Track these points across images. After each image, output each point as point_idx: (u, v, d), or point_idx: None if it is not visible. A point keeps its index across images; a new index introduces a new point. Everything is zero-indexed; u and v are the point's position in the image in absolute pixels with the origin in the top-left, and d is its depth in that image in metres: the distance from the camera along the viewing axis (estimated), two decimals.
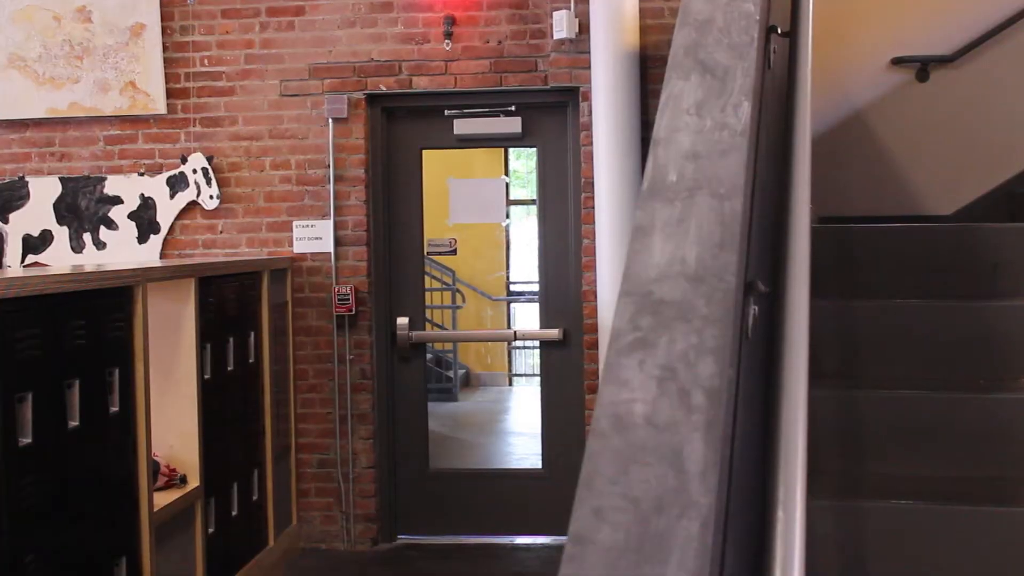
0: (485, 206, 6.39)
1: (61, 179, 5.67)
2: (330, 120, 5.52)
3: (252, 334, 5.01)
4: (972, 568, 2.36)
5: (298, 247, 5.58)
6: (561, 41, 5.38)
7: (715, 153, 1.60)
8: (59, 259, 5.65)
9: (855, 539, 2.39)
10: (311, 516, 5.60)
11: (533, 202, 12.40)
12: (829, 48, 4.02)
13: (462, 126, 5.74)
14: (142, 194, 5.64)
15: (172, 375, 4.26)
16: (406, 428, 5.85)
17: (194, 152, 5.61)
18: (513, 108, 5.77)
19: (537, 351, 11.61)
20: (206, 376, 4.41)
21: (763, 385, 1.78)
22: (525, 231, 11.64)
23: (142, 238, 5.64)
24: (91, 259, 5.64)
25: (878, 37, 4.39)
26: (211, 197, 5.59)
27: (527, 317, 11.66)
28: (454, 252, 6.93)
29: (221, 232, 5.63)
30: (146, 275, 3.86)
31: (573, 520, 1.07)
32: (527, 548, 5.55)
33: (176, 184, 5.62)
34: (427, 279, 10.46)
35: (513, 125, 5.73)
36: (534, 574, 5.17)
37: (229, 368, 4.71)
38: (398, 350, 5.73)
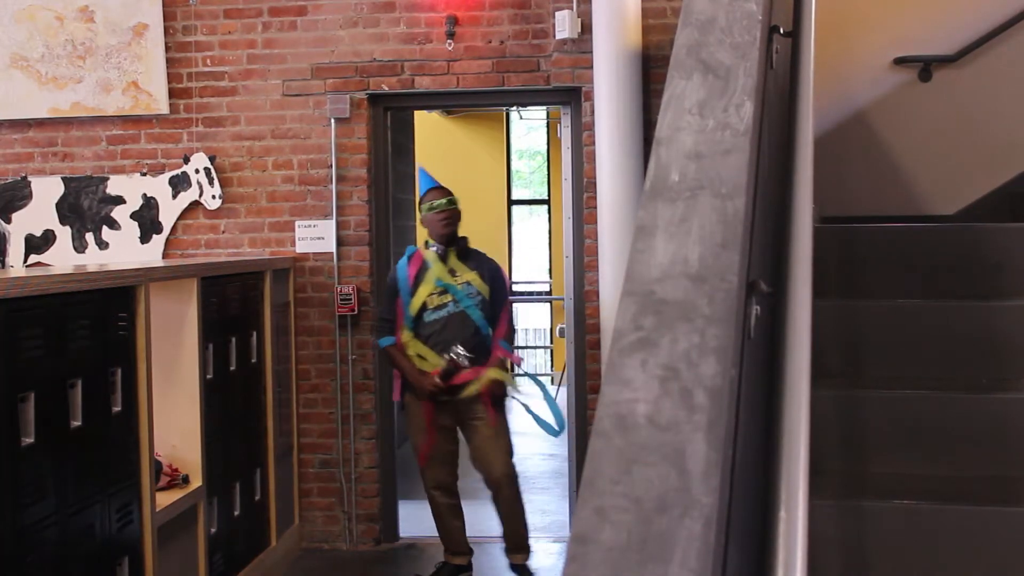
0: None
1: (64, 179, 5.68)
2: (332, 120, 5.52)
3: (254, 334, 5.01)
4: (974, 568, 2.35)
5: (300, 247, 5.58)
6: (563, 41, 5.38)
7: (717, 153, 1.60)
8: (62, 259, 5.65)
9: (857, 539, 2.39)
10: (313, 516, 5.60)
11: (534, 202, 12.39)
12: (831, 48, 4.02)
13: None
14: (144, 194, 5.64)
15: (174, 375, 4.26)
16: None
17: (196, 152, 5.61)
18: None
19: (538, 351, 11.63)
20: (208, 376, 4.42)
21: (765, 385, 1.78)
22: (526, 231, 11.65)
23: (144, 238, 5.65)
24: (94, 259, 5.64)
25: (880, 37, 4.38)
26: (213, 197, 5.59)
27: (530, 317, 11.66)
28: None
29: (223, 232, 5.63)
30: (148, 275, 3.87)
31: (576, 520, 1.07)
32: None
33: (178, 184, 5.62)
34: None
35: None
36: (536, 571, 5.17)
37: (231, 368, 4.71)
38: None
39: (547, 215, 11.33)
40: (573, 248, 5.59)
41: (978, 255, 3.10)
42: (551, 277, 11.11)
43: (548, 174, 11.09)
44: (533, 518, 6.05)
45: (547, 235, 11.27)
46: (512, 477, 4.85)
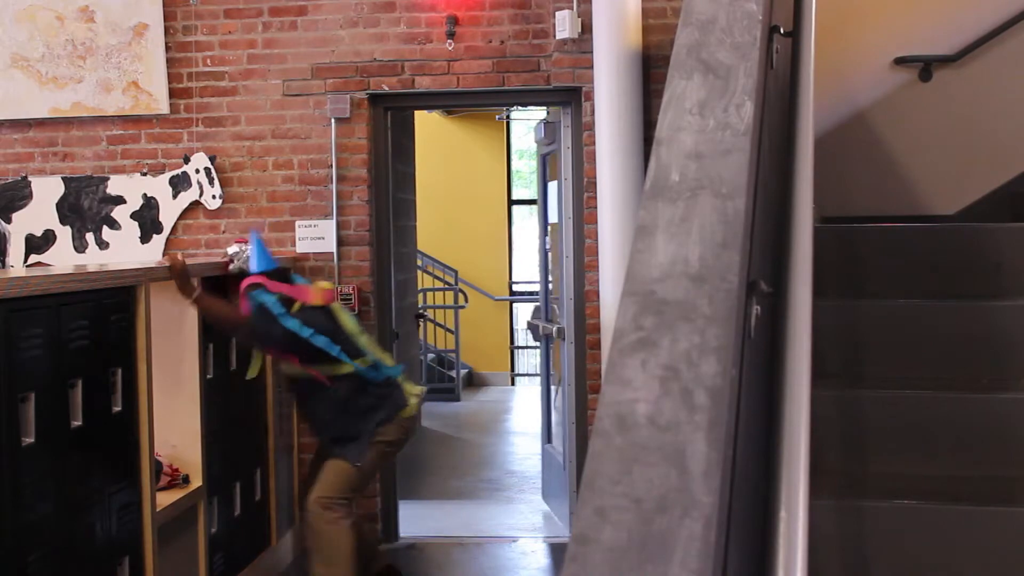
0: None
1: (64, 179, 5.68)
2: (332, 120, 5.52)
3: None
4: (975, 568, 2.35)
5: (301, 247, 5.58)
6: (564, 41, 5.38)
7: (718, 153, 1.60)
8: (62, 259, 5.65)
9: (858, 539, 2.39)
10: None
11: (535, 202, 12.38)
12: (832, 48, 4.02)
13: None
14: (145, 194, 5.64)
15: (175, 375, 4.26)
16: None
17: (197, 152, 5.61)
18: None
19: (540, 351, 11.62)
20: (208, 376, 4.42)
21: (766, 385, 1.79)
22: (527, 231, 11.65)
23: (145, 238, 5.65)
24: (94, 259, 5.64)
25: (881, 37, 4.38)
26: (214, 197, 5.59)
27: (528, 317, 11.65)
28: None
29: (224, 232, 5.63)
30: (149, 275, 3.87)
31: (576, 520, 1.07)
32: (531, 547, 5.55)
33: (179, 184, 5.62)
34: (429, 279, 10.49)
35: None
36: (536, 571, 5.17)
37: (232, 368, 4.71)
38: None
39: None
40: (573, 248, 5.59)
41: (978, 255, 3.10)
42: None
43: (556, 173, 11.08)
44: (533, 518, 6.06)
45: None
46: (314, 515, 4.38)
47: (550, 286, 6.44)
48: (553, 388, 6.33)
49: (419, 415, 4.68)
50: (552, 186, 6.16)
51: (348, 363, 4.35)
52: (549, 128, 5.95)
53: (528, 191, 11.88)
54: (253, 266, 4.45)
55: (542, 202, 6.58)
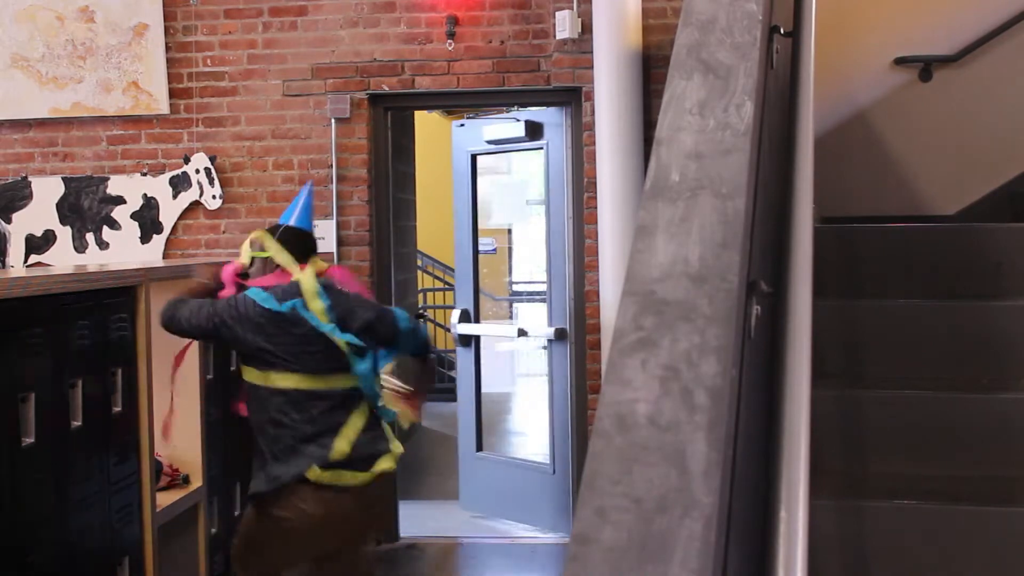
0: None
1: (64, 179, 5.67)
2: (332, 120, 5.52)
3: None
4: (975, 568, 2.35)
5: None
6: (564, 41, 5.38)
7: (718, 153, 1.60)
8: (62, 259, 5.65)
9: (858, 539, 2.39)
10: None
11: (534, 202, 12.32)
12: (832, 48, 4.02)
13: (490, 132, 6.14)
14: (145, 194, 5.64)
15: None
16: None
17: (197, 152, 5.61)
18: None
19: (540, 352, 11.61)
20: (209, 376, 4.42)
21: (766, 385, 1.79)
22: (527, 231, 11.64)
23: (145, 238, 5.64)
24: (94, 259, 5.64)
25: (881, 37, 4.38)
26: (214, 197, 5.59)
27: (530, 317, 11.65)
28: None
29: (224, 232, 5.63)
30: (149, 275, 3.87)
31: (576, 520, 1.07)
32: (531, 546, 5.55)
33: (179, 184, 5.62)
34: (428, 279, 10.49)
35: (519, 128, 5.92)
36: (537, 571, 5.17)
37: (232, 368, 4.71)
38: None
39: (547, 215, 11.31)
40: (573, 248, 5.59)
41: (978, 255, 3.10)
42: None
43: (548, 174, 11.08)
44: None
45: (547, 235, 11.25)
46: None
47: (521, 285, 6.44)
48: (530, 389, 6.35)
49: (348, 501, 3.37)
50: (489, 185, 6.21)
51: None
52: (531, 126, 5.96)
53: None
54: (295, 217, 3.56)
55: (471, 204, 6.51)
